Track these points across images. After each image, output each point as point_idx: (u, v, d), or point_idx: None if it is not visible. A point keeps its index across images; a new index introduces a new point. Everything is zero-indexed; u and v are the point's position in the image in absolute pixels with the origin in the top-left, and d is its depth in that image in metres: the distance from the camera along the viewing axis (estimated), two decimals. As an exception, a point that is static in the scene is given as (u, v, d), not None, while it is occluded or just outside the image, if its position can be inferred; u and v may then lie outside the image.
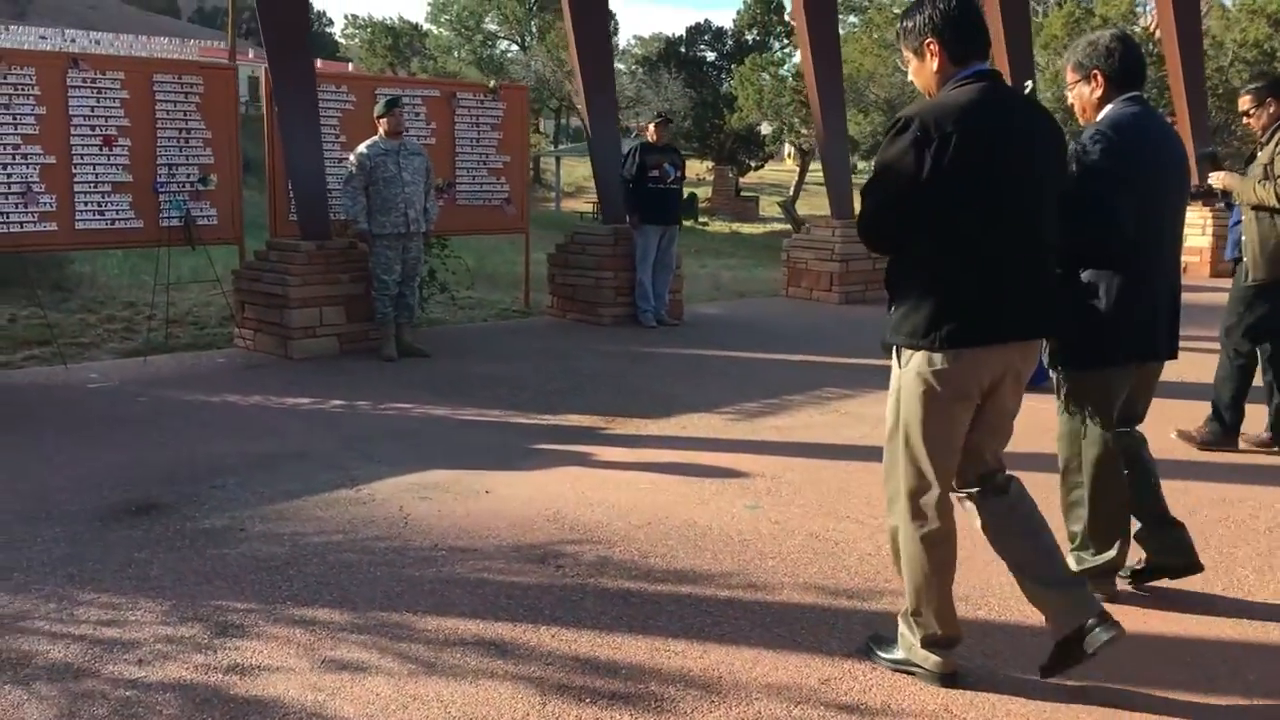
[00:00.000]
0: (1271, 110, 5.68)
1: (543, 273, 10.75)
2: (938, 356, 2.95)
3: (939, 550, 3.05)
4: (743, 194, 52.33)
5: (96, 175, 8.28)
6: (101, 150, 8.28)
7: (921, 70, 3.11)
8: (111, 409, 6.49)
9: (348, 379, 7.40)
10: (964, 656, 3.22)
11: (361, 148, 7.98)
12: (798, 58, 48.69)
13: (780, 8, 58.36)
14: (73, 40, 8.71)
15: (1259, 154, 5.74)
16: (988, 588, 3.80)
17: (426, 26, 66.15)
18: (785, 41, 57.62)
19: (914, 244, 2.99)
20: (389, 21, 66.83)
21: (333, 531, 4.38)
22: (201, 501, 4.76)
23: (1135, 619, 3.51)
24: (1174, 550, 3.79)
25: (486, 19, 64.02)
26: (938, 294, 2.94)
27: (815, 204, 52.16)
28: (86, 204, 8.26)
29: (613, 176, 10.26)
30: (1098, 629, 2.99)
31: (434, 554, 4.13)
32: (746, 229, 41.75)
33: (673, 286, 10.00)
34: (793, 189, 47.22)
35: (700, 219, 41.77)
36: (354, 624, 3.50)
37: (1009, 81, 3.13)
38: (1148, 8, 22.77)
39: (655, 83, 50.46)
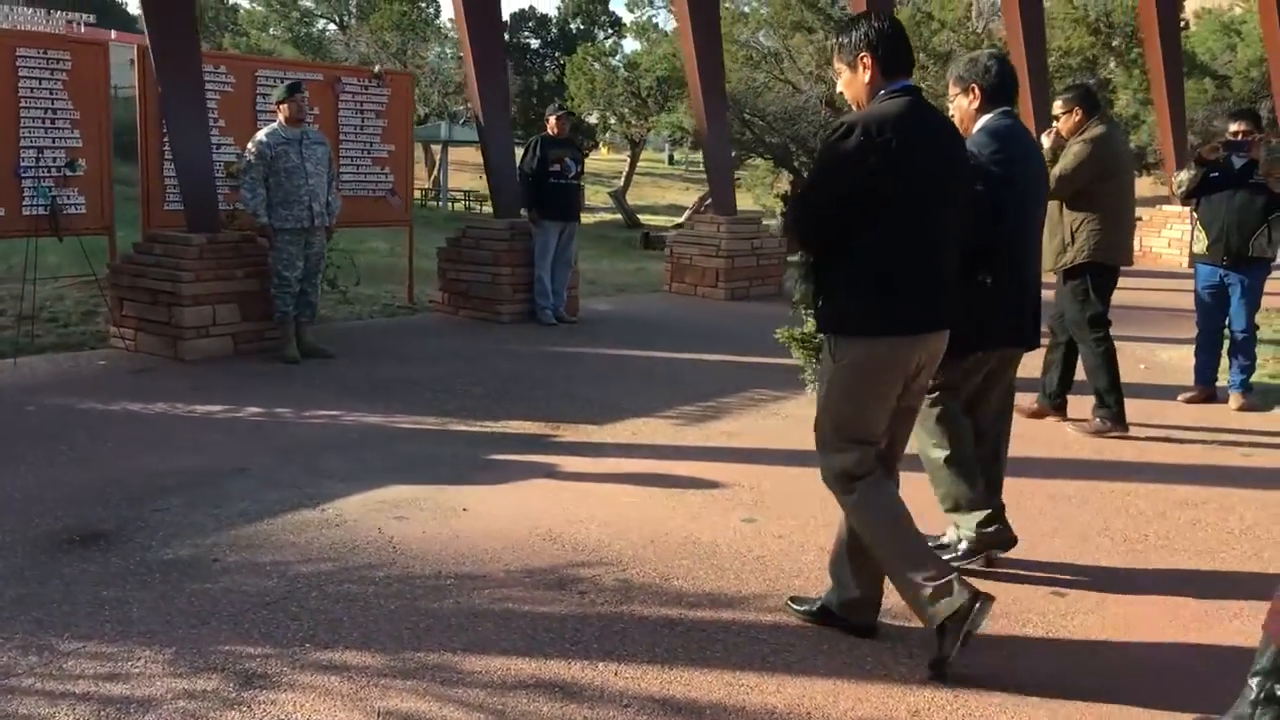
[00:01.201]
0: (1077, 118, 6.07)
1: (425, 267, 10.36)
2: (869, 344, 3.23)
3: (886, 504, 3.32)
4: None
5: (-48, 158, 7.49)
6: (-42, 131, 7.49)
7: (854, 82, 3.35)
8: None
9: (255, 383, 6.91)
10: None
11: (261, 135, 7.46)
12: (628, 48, 48.83)
13: (604, -3, 58.46)
14: None
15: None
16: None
17: (236, 0, 63.18)
18: (610, 31, 57.76)
19: (846, 240, 3.21)
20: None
21: (318, 559, 4.04)
22: (150, 528, 4.32)
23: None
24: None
25: (305, -4, 61.83)
26: (869, 287, 3.20)
27: (643, 194, 52.59)
28: (-60, 190, 7.46)
29: (507, 169, 9.98)
30: (977, 606, 3.14)
31: (442, 582, 3.84)
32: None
33: (570, 283, 9.79)
34: (623, 179, 47.32)
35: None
36: (393, 668, 3.20)
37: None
38: (983, 13, 23.80)
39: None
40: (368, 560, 4.04)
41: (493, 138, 9.85)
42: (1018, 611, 3.75)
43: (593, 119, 48.29)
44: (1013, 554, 4.12)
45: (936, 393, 3.90)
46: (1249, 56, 23.05)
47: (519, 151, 10.12)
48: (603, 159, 62.81)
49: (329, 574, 3.89)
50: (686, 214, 43.67)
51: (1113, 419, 6.23)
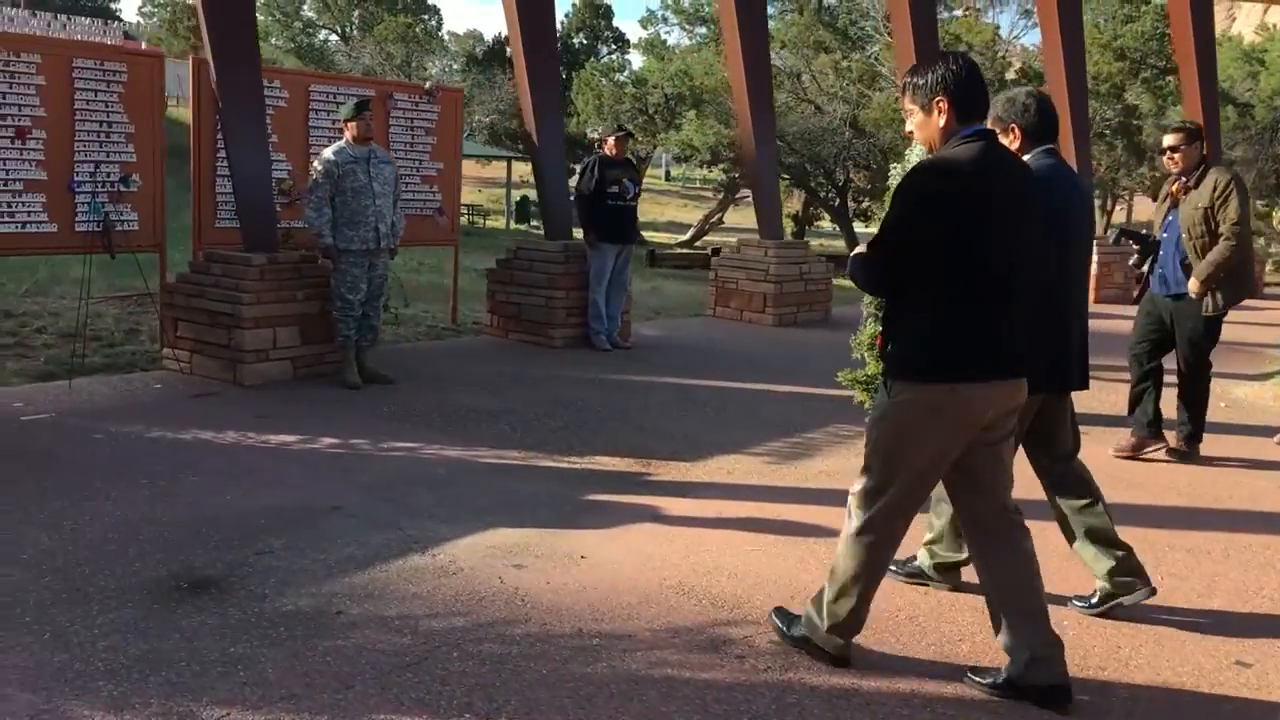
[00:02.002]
0: (1196, 153, 6.24)
1: (469, 289, 10.12)
2: (932, 389, 3.19)
3: (881, 559, 3.39)
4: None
5: (7, 171, 7.24)
6: (14, 143, 7.25)
7: (927, 124, 3.31)
8: (69, 449, 5.60)
9: (321, 411, 6.67)
10: None
11: (328, 153, 7.22)
12: (635, 64, 48.74)
13: (609, 13, 58.46)
14: None
15: (1184, 195, 6.23)
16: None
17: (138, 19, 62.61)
18: (614, 47, 57.74)
19: (917, 286, 3.19)
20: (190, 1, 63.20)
21: (446, 613, 3.79)
22: (258, 573, 4.07)
23: None
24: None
25: (305, 5, 61.82)
26: (938, 333, 3.17)
27: (666, 212, 52.40)
28: (-5, 204, 7.21)
29: (560, 189, 9.76)
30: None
31: (587, 642, 3.60)
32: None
33: (624, 307, 9.56)
34: (629, 196, 47.10)
35: (533, 224, 41.22)
36: (568, 744, 2.97)
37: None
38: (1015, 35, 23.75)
39: (489, 82, 49.57)
40: (500, 615, 3.80)
41: (546, 158, 9.63)
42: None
43: (596, 135, 48.20)
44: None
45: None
46: (1273, 85, 22.99)
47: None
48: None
49: (463, 631, 3.65)
50: (691, 231, 43.65)
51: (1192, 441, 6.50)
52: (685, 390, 7.87)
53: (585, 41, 60.21)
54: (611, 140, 9.34)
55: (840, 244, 29.40)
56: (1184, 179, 6.28)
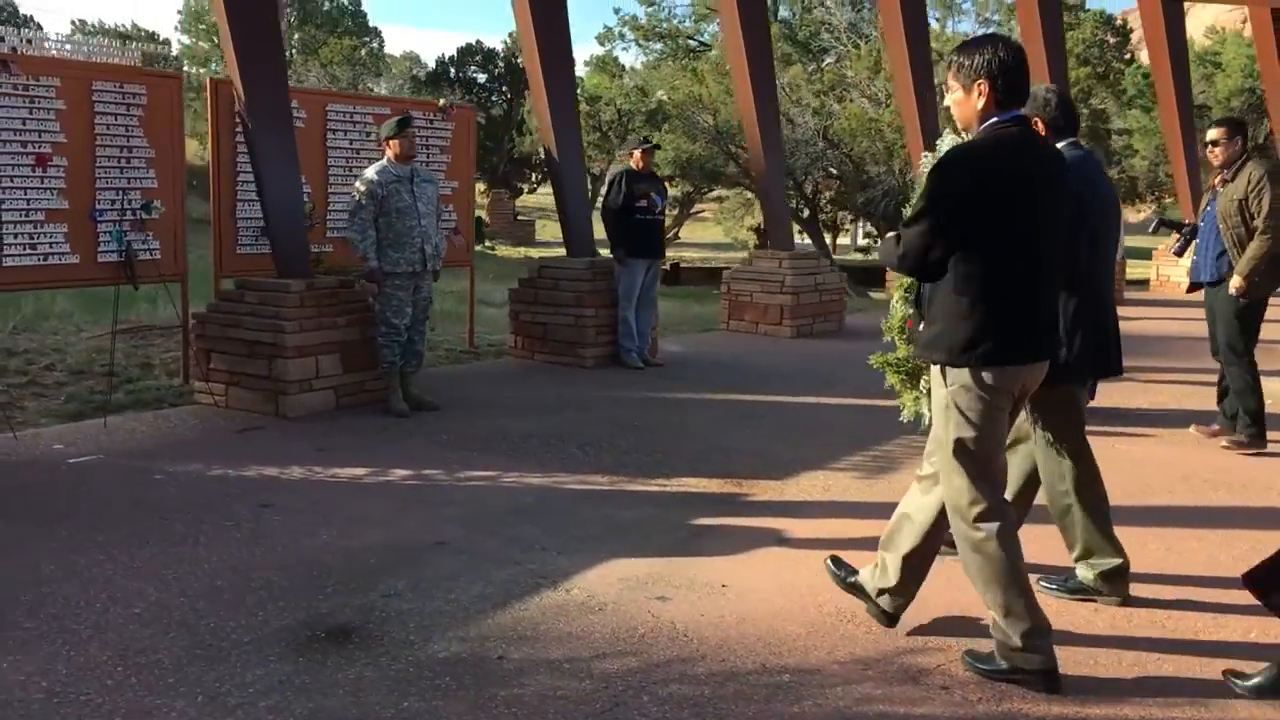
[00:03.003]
0: (1237, 147, 6.36)
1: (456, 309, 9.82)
2: (980, 371, 3.23)
3: (1009, 546, 3.29)
4: (519, 217, 51.68)
5: (28, 201, 6.88)
6: (34, 171, 6.89)
7: (965, 104, 3.33)
8: (133, 492, 5.27)
9: (378, 442, 6.38)
10: None
11: (370, 173, 6.94)
12: (590, 82, 48.74)
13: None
14: (0, 38, 7.14)
15: (1223, 187, 6.40)
16: None
17: (179, 37, 61.86)
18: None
19: (954, 269, 3.23)
20: (122, 28, 61.98)
21: (612, 653, 3.56)
22: (394, 618, 3.81)
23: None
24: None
25: (244, 30, 60.88)
26: (979, 315, 3.21)
27: (601, 228, 52.18)
28: (17, 236, 6.85)
29: (581, 205, 9.55)
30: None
31: (778, 679, 3.38)
32: (536, 253, 41.21)
33: (653, 323, 9.35)
34: (584, 212, 46.96)
35: (487, 243, 40.85)
36: (816, 793, 2.74)
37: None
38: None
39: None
40: (671, 653, 3.57)
41: (566, 173, 9.41)
42: None
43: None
44: None
45: (1059, 430, 3.96)
46: (1230, 87, 23.43)
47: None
48: (548, 194, 62.47)
49: (641, 672, 3.42)
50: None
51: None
52: (738, 406, 7.67)
53: (531, 61, 59.76)
54: (638, 153, 9.14)
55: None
56: (1224, 171, 6.42)
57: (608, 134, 41.57)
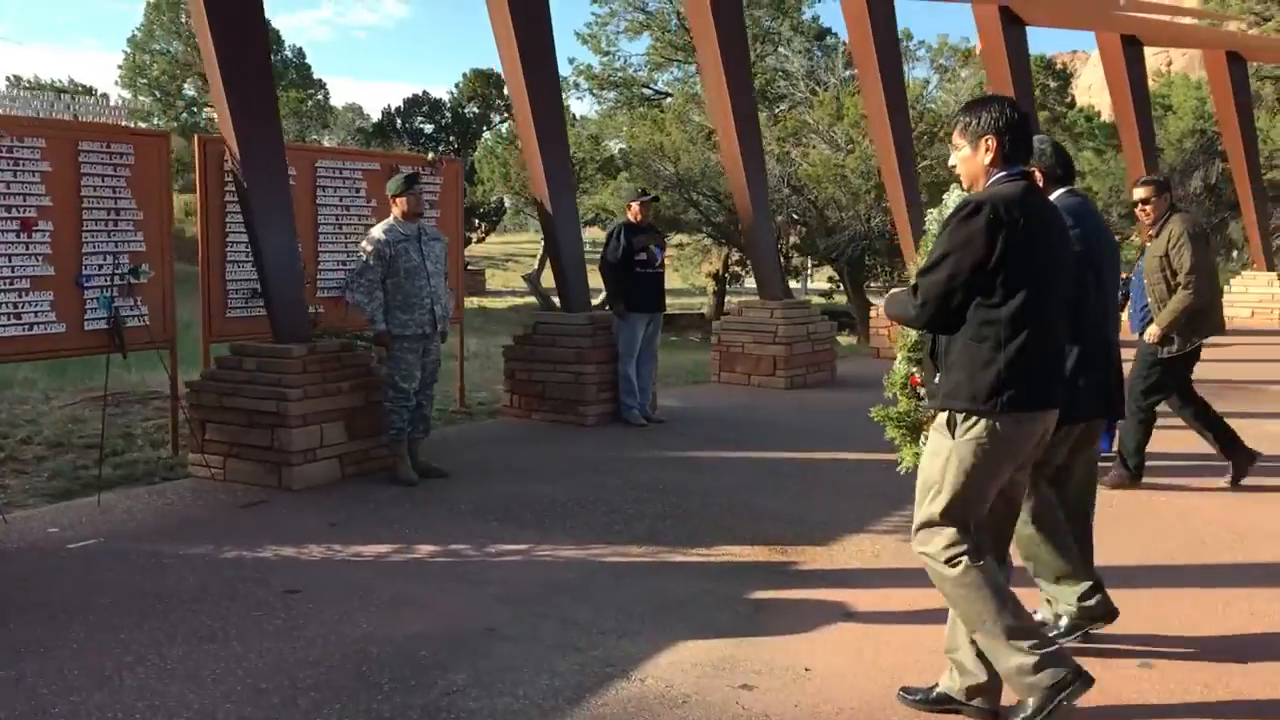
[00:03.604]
0: (1165, 204, 6.54)
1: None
2: (997, 420, 3.28)
3: (985, 566, 3.34)
4: (469, 267, 51.43)
5: (13, 269, 6.53)
6: (19, 237, 6.54)
7: (972, 160, 3.46)
8: (144, 581, 4.90)
9: (394, 515, 6.07)
10: None
11: (377, 232, 6.68)
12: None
13: (499, 82, 58.30)
14: None
15: (1150, 244, 6.60)
16: None
17: (119, 91, 61.12)
18: (505, 115, 57.51)
19: (972, 318, 3.29)
20: (58, 83, 61.12)
21: (714, 754, 3.29)
22: (468, 719, 3.51)
23: None
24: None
25: (185, 84, 60.45)
26: (1001, 362, 3.25)
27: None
28: (1, 305, 6.48)
29: (576, 259, 9.33)
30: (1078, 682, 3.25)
31: (901, 777, 3.14)
32: (489, 303, 41.00)
33: (653, 379, 9.12)
34: (537, 262, 46.80)
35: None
36: None
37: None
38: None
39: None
40: (777, 751, 3.31)
41: (561, 227, 9.18)
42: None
43: (508, 201, 47.79)
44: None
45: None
46: (1182, 128, 23.81)
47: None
48: (496, 243, 62.06)
49: (753, 775, 3.15)
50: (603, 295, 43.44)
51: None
52: (757, 465, 7.44)
53: (478, 110, 60.08)
54: (636, 206, 8.95)
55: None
56: (1152, 228, 6.58)
57: (560, 183, 41.52)
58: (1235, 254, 26.18)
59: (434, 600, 4.68)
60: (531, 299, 39.75)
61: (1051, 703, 3.21)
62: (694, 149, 23.42)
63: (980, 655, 3.44)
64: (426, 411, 6.95)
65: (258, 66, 6.99)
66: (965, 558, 3.32)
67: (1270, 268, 18.84)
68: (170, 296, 7.41)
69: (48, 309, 6.69)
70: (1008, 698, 3.46)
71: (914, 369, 4.52)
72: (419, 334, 6.69)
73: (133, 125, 7.88)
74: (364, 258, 6.62)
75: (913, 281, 3.46)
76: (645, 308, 8.79)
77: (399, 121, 58.72)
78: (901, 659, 4.02)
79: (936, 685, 3.59)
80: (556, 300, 9.13)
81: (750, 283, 36.66)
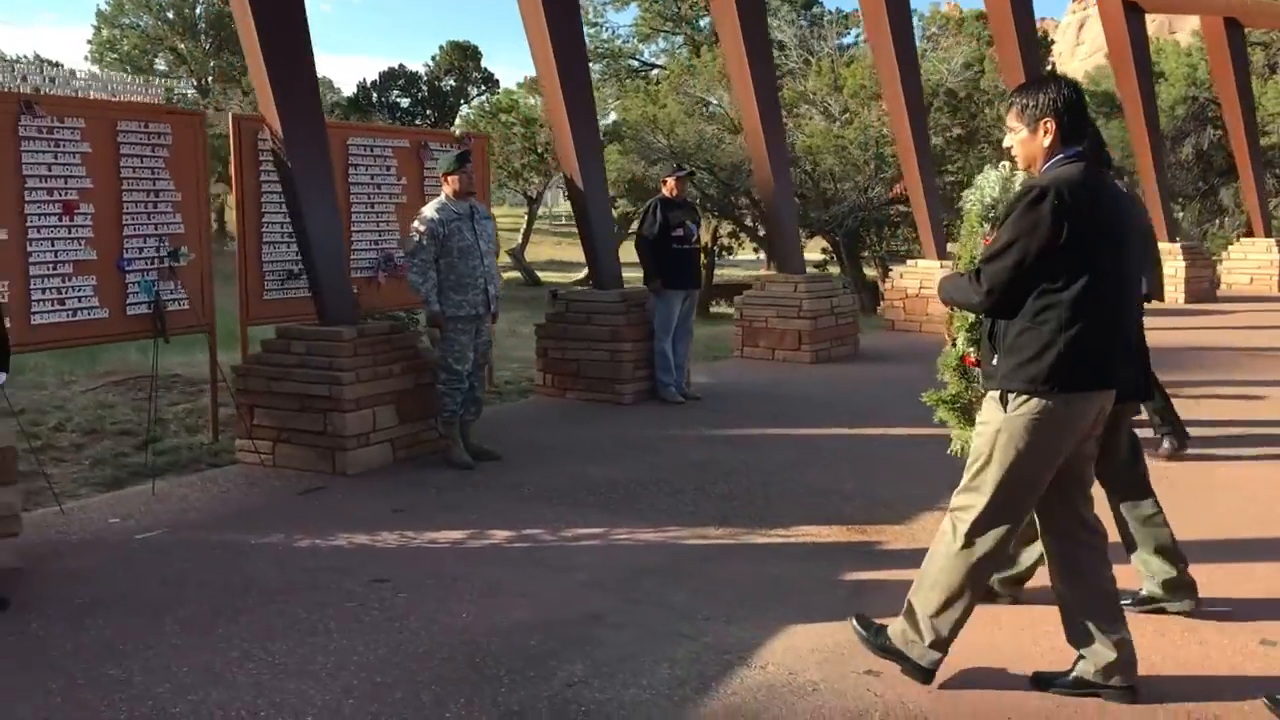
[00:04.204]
0: None
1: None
2: (1053, 400, 3.29)
3: (986, 574, 3.49)
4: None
5: (56, 254, 6.38)
6: (61, 220, 6.39)
7: (1030, 143, 3.44)
8: (226, 573, 4.80)
9: (456, 499, 5.99)
10: None
11: (430, 211, 6.55)
12: (526, 103, 48.40)
13: (477, 54, 57.77)
14: (23, 78, 6.50)
15: None
16: None
17: (89, 67, 60.17)
18: (483, 88, 56.99)
19: (1033, 301, 3.30)
20: (23, 59, 60.06)
21: (862, 744, 3.24)
22: (597, 711, 3.48)
23: None
24: None
25: (158, 59, 59.62)
26: (1057, 345, 3.25)
27: (543, 251, 51.57)
28: (45, 291, 6.34)
29: (607, 235, 9.22)
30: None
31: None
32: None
33: (688, 355, 9.05)
34: (521, 236, 46.50)
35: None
36: None
37: None
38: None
39: (370, 128, 48.26)
40: (927, 740, 3.27)
41: (591, 203, 9.06)
42: None
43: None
44: None
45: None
46: (1174, 95, 23.84)
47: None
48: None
49: (910, 765, 3.11)
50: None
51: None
52: (803, 442, 7.40)
53: (455, 84, 59.51)
54: (671, 181, 8.84)
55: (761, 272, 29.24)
56: None
57: (544, 155, 41.23)
58: (1225, 220, 26.27)
59: (525, 587, 4.61)
60: (516, 274, 39.56)
61: (886, 656, 3.61)
62: (689, 121, 23.22)
63: (1104, 633, 3.44)
64: (479, 393, 6.86)
65: (298, 41, 6.82)
66: (980, 540, 3.40)
67: (1268, 234, 18.92)
68: (209, 279, 7.29)
69: (91, 294, 6.56)
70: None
71: (969, 349, 4.48)
72: (472, 314, 6.59)
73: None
74: (416, 238, 6.49)
75: (974, 266, 3.48)
76: (681, 284, 8.71)
77: (374, 95, 58.02)
78: (1018, 641, 3.98)
79: (1073, 670, 3.54)
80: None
81: (741, 255, 36.64)
